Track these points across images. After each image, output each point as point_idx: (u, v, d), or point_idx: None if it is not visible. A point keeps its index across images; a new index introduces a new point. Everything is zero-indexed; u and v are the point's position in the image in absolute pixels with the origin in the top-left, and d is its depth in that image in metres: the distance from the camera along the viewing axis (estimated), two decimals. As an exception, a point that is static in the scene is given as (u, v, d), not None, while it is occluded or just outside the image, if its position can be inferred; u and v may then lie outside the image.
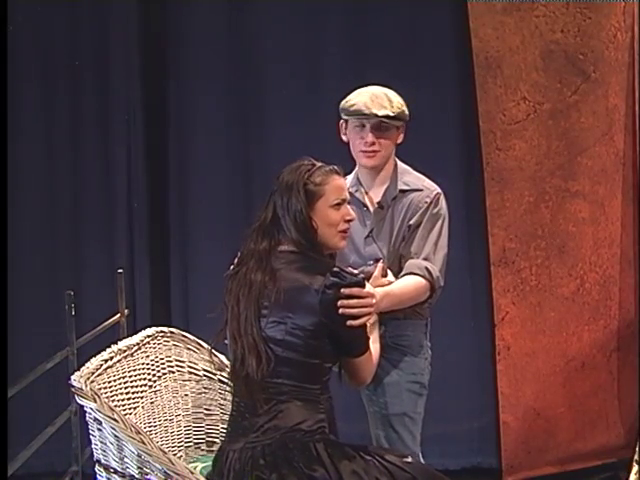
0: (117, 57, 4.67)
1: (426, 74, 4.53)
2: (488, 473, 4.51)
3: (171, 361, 2.85)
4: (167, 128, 4.70)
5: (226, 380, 2.76)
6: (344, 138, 3.01)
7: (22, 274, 4.53)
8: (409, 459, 2.46)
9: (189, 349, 2.90)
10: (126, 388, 2.62)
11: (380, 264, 2.79)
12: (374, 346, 2.62)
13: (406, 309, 2.89)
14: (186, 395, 2.87)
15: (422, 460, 2.90)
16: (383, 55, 4.54)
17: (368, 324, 2.54)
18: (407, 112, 2.97)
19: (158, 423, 2.74)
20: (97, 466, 2.52)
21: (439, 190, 2.98)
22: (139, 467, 2.36)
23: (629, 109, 4.29)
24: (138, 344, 2.75)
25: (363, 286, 2.47)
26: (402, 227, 2.94)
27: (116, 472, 2.44)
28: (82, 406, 2.43)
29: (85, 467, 3.59)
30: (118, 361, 2.62)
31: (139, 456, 2.33)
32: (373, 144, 2.92)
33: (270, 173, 2.64)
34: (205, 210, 4.68)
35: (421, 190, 2.96)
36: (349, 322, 2.42)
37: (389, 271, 2.84)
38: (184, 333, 2.93)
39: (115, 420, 2.32)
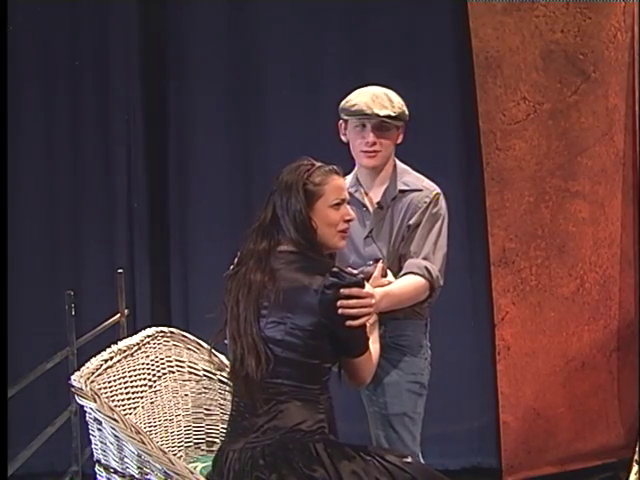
0: (117, 57, 4.67)
1: (426, 74, 4.53)
2: (488, 473, 4.51)
3: (171, 361, 2.85)
4: (167, 128, 4.70)
5: (226, 380, 2.76)
6: (343, 139, 3.01)
7: (22, 274, 4.53)
8: (409, 459, 2.46)
9: (189, 349, 2.90)
10: (126, 388, 2.62)
11: (380, 264, 2.79)
12: (374, 346, 2.62)
13: (406, 309, 2.89)
14: (186, 395, 2.87)
15: (422, 460, 2.90)
16: (383, 55, 4.54)
17: (368, 324, 2.54)
18: (407, 112, 2.97)
19: (158, 423, 2.74)
20: (97, 466, 2.52)
21: (439, 190, 2.98)
22: (139, 467, 2.36)
23: (629, 109, 4.29)
24: (138, 344, 2.75)
25: (362, 286, 2.47)
26: (402, 227, 2.94)
27: (116, 472, 2.44)
28: (82, 406, 2.43)
29: (85, 467, 3.59)
30: (118, 361, 2.62)
31: (139, 456, 2.33)
32: (374, 144, 2.92)
33: (270, 173, 2.64)
34: (205, 210, 4.67)
35: (421, 190, 2.96)
36: (348, 322, 2.42)
37: (389, 271, 2.84)
38: (184, 333, 2.93)
39: (115, 420, 2.32)
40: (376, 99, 2.91)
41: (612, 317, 4.34)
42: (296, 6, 4.55)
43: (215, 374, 2.89)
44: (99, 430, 2.43)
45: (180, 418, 2.83)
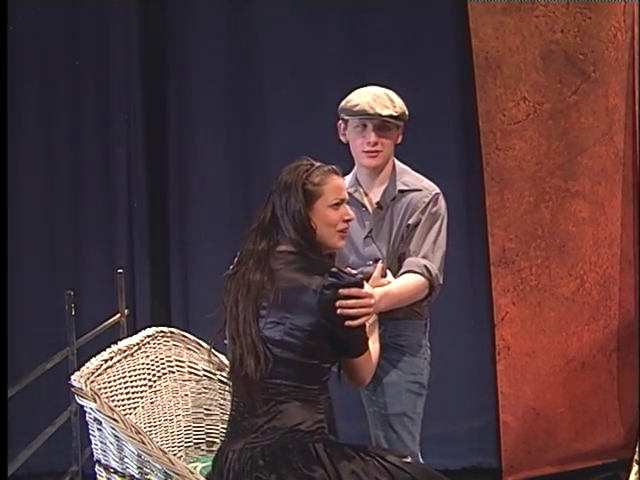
0: (117, 57, 4.67)
1: (426, 74, 4.53)
2: (488, 473, 4.51)
3: (171, 361, 2.85)
4: (167, 128, 4.70)
5: (226, 380, 2.76)
6: (343, 139, 3.01)
7: (22, 274, 4.53)
8: (409, 459, 2.46)
9: (189, 349, 2.90)
10: (126, 388, 2.62)
11: (379, 264, 2.79)
12: (374, 346, 2.62)
13: (405, 309, 2.89)
14: (186, 395, 2.87)
15: (421, 460, 2.90)
16: (383, 55, 4.54)
17: (367, 324, 2.54)
18: (407, 112, 2.97)
19: (158, 423, 2.74)
20: (97, 466, 2.52)
21: (438, 190, 2.98)
22: (139, 467, 2.36)
23: (629, 109, 4.29)
24: (138, 344, 2.75)
25: (361, 286, 2.47)
26: (401, 227, 2.94)
27: (116, 472, 2.44)
28: (82, 406, 2.43)
29: (85, 467, 3.59)
30: (118, 361, 2.62)
31: (139, 456, 2.34)
32: (376, 144, 2.92)
33: (270, 173, 2.63)
34: (205, 210, 4.67)
35: (420, 190, 2.96)
36: (347, 322, 2.42)
37: (388, 271, 2.84)
38: (184, 333, 2.93)
39: (115, 420, 2.32)
40: (377, 99, 2.91)
41: (612, 317, 4.34)
42: (296, 6, 4.55)
43: (215, 374, 2.89)
44: (99, 430, 2.43)
45: (180, 418, 2.83)
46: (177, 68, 4.70)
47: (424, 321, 3.02)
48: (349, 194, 2.77)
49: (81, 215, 4.71)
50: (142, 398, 2.69)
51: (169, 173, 4.72)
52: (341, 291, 2.41)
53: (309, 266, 2.46)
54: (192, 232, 4.69)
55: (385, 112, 2.89)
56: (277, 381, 2.42)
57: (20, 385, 3.16)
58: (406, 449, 2.87)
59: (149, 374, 2.75)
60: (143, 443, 2.29)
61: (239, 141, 4.69)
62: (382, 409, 2.95)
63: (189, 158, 4.69)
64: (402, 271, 2.87)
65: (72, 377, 2.41)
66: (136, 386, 2.67)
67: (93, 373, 2.47)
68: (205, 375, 2.89)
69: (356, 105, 2.91)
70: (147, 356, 2.77)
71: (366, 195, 3.00)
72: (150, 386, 2.75)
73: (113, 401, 2.51)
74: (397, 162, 3.03)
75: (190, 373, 2.88)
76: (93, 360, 2.56)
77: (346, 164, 2.89)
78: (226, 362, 2.72)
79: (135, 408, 2.64)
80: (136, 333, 2.86)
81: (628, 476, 4.07)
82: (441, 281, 2.91)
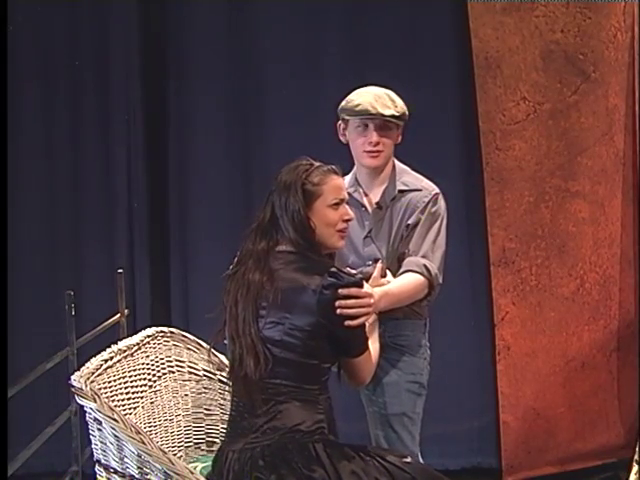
0: (117, 57, 4.67)
1: (426, 74, 4.53)
2: (488, 473, 4.51)
3: (171, 361, 2.85)
4: (167, 128, 4.70)
5: (226, 380, 2.75)
6: (342, 139, 3.01)
7: (22, 274, 4.53)
8: (408, 459, 2.46)
9: (189, 349, 2.90)
10: (126, 388, 2.62)
11: (379, 264, 2.79)
12: (374, 346, 2.62)
13: (405, 308, 2.89)
14: (186, 395, 2.87)
15: (421, 460, 2.90)
16: (383, 55, 4.54)
17: (367, 323, 2.54)
18: (407, 112, 2.97)
19: (158, 423, 2.74)
20: (97, 466, 2.52)
21: (437, 190, 2.98)
22: (139, 467, 2.36)
23: (629, 109, 4.29)
24: (138, 344, 2.76)
25: (361, 286, 2.47)
26: (401, 227, 2.94)
27: (116, 472, 2.44)
28: (82, 406, 2.43)
29: (85, 467, 3.59)
30: (118, 361, 2.62)
31: (139, 456, 2.34)
32: (377, 144, 2.92)
33: (270, 173, 2.63)
34: (205, 210, 4.68)
35: (420, 190, 2.96)
36: (347, 322, 2.42)
37: (388, 271, 2.84)
38: (184, 333, 2.93)
39: (115, 420, 2.32)
40: (379, 99, 2.91)
41: (612, 317, 4.34)
42: (296, 6, 4.55)
43: (215, 374, 2.89)
44: (99, 430, 2.43)
45: (180, 418, 2.83)
46: (177, 68, 4.70)
47: (424, 321, 3.02)
48: (349, 194, 2.76)
49: (81, 215, 4.71)
50: (142, 398, 2.69)
51: (169, 173, 4.72)
52: (340, 291, 2.41)
53: (308, 266, 2.46)
54: (192, 232, 4.69)
55: (387, 112, 2.89)
56: (277, 381, 2.42)
57: (20, 385, 3.16)
58: (406, 449, 2.87)
59: (149, 374, 2.75)
60: (143, 443, 2.29)
61: (239, 141, 4.69)
62: (382, 409, 2.95)
63: (189, 158, 4.69)
64: (401, 270, 2.87)
65: (72, 377, 2.41)
66: (136, 386, 2.67)
67: (93, 373, 2.47)
68: (205, 375, 2.89)
69: (358, 105, 2.91)
70: (147, 356, 2.77)
71: (366, 195, 3.00)
72: (150, 386, 2.75)
73: (113, 401, 2.51)
74: (397, 162, 3.03)
75: (190, 373, 2.88)
76: (93, 360, 2.56)
77: (346, 164, 2.89)
78: (226, 362, 2.71)
79: (135, 408, 2.64)
80: (136, 333, 2.86)
81: (628, 476, 4.07)
82: (440, 280, 2.91)
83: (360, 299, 2.44)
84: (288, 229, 2.49)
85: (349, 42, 4.59)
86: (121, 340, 2.80)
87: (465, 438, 4.63)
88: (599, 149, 4.24)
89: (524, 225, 4.20)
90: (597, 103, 4.21)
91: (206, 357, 2.86)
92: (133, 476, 2.39)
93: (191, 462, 2.76)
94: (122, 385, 2.60)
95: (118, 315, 4.12)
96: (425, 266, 2.86)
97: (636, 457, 4.09)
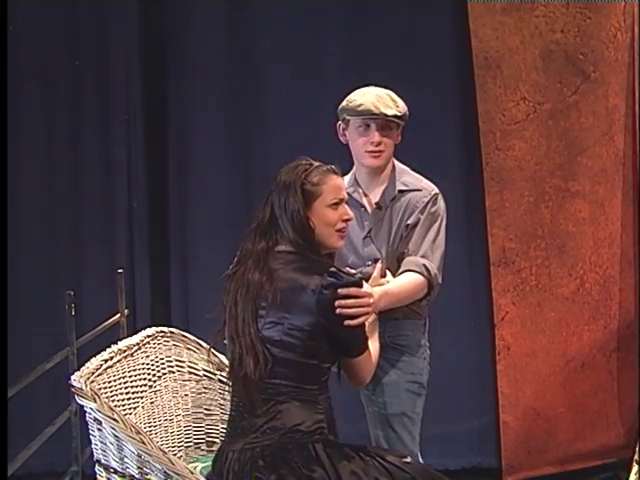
0: (117, 57, 4.67)
1: (426, 74, 4.53)
2: (488, 473, 4.51)
3: (171, 361, 2.85)
4: (167, 128, 4.71)
5: (226, 380, 2.76)
6: (343, 139, 3.00)
7: (22, 274, 4.53)
8: (408, 459, 2.46)
9: (189, 349, 2.90)
10: (126, 388, 2.62)
11: (379, 264, 2.79)
12: (374, 345, 2.62)
13: (404, 308, 2.89)
14: (186, 395, 2.87)
15: (421, 460, 2.90)
16: (383, 55, 4.54)
17: (367, 323, 2.54)
18: (407, 112, 2.98)
19: (158, 423, 2.74)
20: (97, 466, 2.52)
21: (437, 190, 2.98)
22: (139, 467, 2.36)
23: (629, 109, 4.29)
24: (138, 344, 2.76)
25: (360, 286, 2.47)
26: (400, 227, 2.94)
27: (116, 472, 2.44)
28: (82, 406, 2.43)
29: (85, 467, 3.59)
30: (118, 361, 2.63)
31: (139, 456, 2.34)
32: (379, 144, 2.92)
33: (270, 173, 2.63)
34: (205, 210, 4.68)
35: (419, 190, 2.96)
36: (346, 322, 2.42)
37: (388, 271, 2.84)
38: (184, 333, 2.93)
39: (115, 420, 2.32)
40: (380, 99, 2.91)
41: (612, 317, 4.34)
42: (296, 6, 4.55)
43: (215, 374, 2.89)
44: (99, 430, 2.43)
45: (180, 418, 2.83)
46: (177, 68, 4.70)
47: (423, 321, 3.02)
48: (348, 194, 2.76)
49: (81, 215, 4.71)
50: (142, 398, 2.69)
51: (169, 173, 4.72)
52: (340, 291, 2.41)
53: (308, 266, 2.46)
54: (192, 232, 4.69)
55: (389, 112, 2.89)
56: (276, 381, 2.42)
57: (20, 385, 3.16)
58: (406, 449, 2.87)
59: (149, 374, 2.76)
60: (143, 443, 2.29)
61: (239, 141, 4.69)
62: (382, 409, 2.95)
63: (189, 158, 4.69)
64: (401, 270, 2.87)
65: (72, 377, 2.42)
66: (136, 386, 2.68)
67: (93, 373, 2.47)
68: (205, 375, 2.89)
69: (360, 105, 2.91)
70: (147, 356, 2.77)
71: (365, 195, 3.00)
72: (150, 386, 2.75)
73: (113, 401, 2.51)
74: (396, 162, 3.03)
75: (190, 373, 2.88)
76: (93, 360, 2.56)
77: (346, 164, 2.89)
78: (226, 362, 2.71)
79: (135, 408, 2.64)
80: (136, 333, 2.87)
81: (628, 476, 4.07)
82: (440, 280, 2.91)
83: (360, 299, 2.44)
84: (287, 229, 2.49)
85: (349, 42, 4.59)
86: (121, 340, 2.81)
87: (465, 438, 4.63)
88: (599, 149, 4.24)
89: (524, 225, 4.20)
90: (597, 103, 4.21)
91: (206, 357, 2.86)
92: (133, 476, 2.39)
93: (191, 462, 2.76)
94: (122, 385, 2.61)
95: (118, 315, 4.13)
96: (425, 266, 2.86)
97: (636, 457, 4.09)
